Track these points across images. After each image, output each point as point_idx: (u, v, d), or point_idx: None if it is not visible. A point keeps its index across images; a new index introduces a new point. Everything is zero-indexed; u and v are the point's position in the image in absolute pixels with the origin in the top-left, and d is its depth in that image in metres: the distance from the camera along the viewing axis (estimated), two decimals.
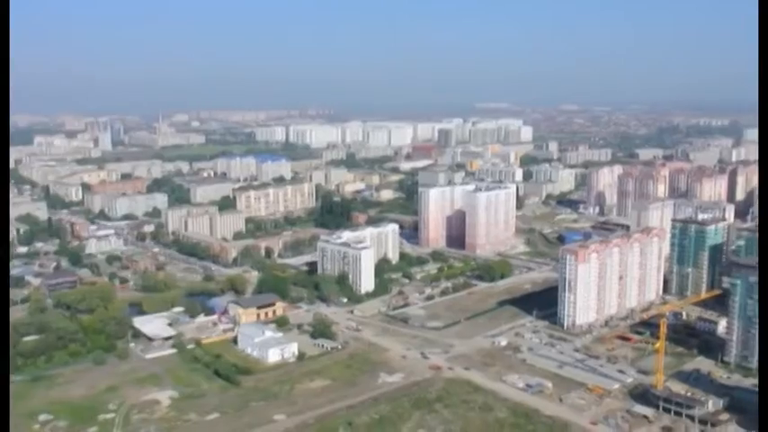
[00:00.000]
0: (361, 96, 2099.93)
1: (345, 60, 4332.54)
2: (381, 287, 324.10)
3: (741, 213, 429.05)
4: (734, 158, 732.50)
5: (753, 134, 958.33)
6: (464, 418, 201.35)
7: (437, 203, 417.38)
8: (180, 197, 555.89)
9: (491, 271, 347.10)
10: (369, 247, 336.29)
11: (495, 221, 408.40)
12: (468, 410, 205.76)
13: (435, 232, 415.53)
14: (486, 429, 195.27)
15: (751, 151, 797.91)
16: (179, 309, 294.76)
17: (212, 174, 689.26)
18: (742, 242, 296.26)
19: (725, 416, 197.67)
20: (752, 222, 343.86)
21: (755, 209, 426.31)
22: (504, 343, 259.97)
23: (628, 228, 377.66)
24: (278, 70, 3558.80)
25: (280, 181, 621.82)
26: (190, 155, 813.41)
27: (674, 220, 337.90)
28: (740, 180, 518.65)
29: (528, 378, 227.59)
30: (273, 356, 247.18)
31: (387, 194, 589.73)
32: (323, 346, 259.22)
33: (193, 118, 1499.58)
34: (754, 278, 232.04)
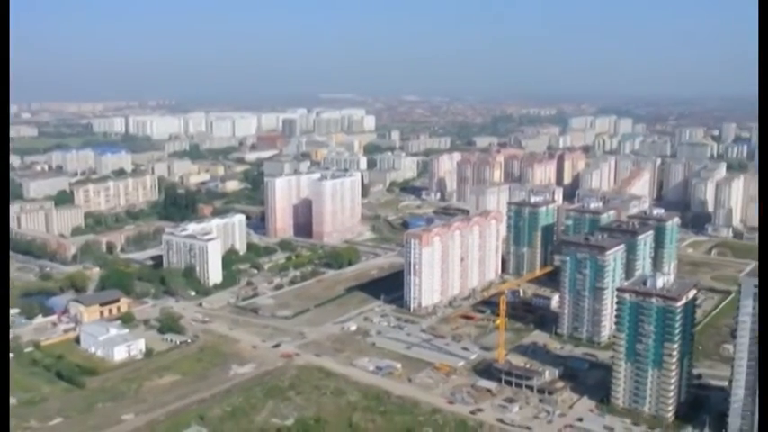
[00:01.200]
0: (204, 87, 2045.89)
1: (186, 50, 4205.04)
2: (230, 278, 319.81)
3: (569, 195, 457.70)
4: (561, 145, 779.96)
5: (577, 122, 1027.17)
6: (317, 403, 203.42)
7: (283, 193, 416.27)
8: (11, 193, 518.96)
9: (339, 258, 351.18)
10: (215, 238, 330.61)
11: (342, 209, 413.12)
12: (320, 396, 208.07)
13: (282, 222, 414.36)
14: (338, 413, 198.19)
15: (576, 138, 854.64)
16: (14, 310, 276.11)
17: (46, 168, 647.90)
18: (570, 222, 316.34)
19: (560, 384, 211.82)
20: (578, 203, 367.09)
21: (581, 191, 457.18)
22: (353, 328, 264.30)
23: (467, 212, 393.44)
24: (115, 61, 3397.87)
25: (120, 174, 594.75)
26: (21, 148, 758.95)
27: (509, 203, 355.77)
28: (567, 165, 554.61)
29: (378, 361, 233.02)
30: (119, 354, 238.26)
31: (232, 185, 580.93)
32: (171, 340, 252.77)
33: (24, 110, 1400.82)
34: (582, 254, 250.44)
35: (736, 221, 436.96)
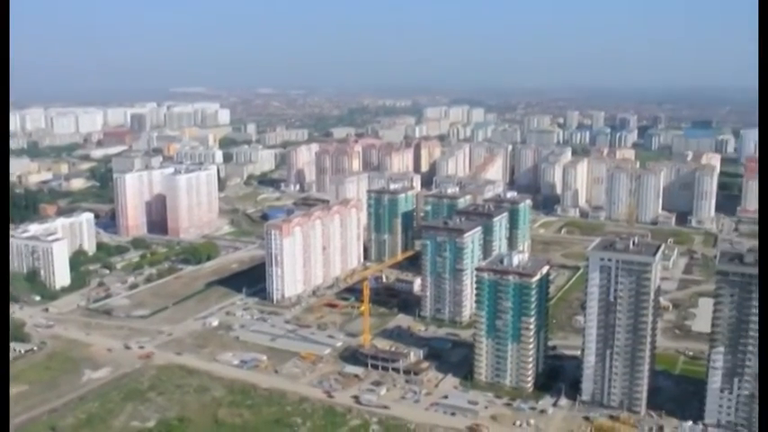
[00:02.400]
0: (42, 82, 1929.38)
1: (19, 44, 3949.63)
2: (79, 280, 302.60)
3: (426, 182, 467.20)
4: (417, 134, 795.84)
5: (432, 113, 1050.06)
6: (180, 402, 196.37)
7: (134, 189, 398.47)
8: None
9: (197, 253, 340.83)
10: (61, 238, 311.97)
11: (198, 204, 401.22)
12: (183, 395, 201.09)
13: (135, 219, 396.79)
14: (203, 411, 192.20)
15: (431, 127, 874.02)
16: None
17: None
18: (429, 207, 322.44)
19: (425, 364, 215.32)
20: (436, 189, 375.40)
21: (438, 177, 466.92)
22: (215, 323, 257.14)
23: (328, 202, 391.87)
24: None
25: None
26: None
27: (369, 192, 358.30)
28: (424, 153, 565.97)
29: (242, 354, 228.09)
30: None
31: (78, 183, 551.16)
32: (15, 350, 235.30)
33: None
34: (441, 238, 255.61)
35: (582, 202, 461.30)
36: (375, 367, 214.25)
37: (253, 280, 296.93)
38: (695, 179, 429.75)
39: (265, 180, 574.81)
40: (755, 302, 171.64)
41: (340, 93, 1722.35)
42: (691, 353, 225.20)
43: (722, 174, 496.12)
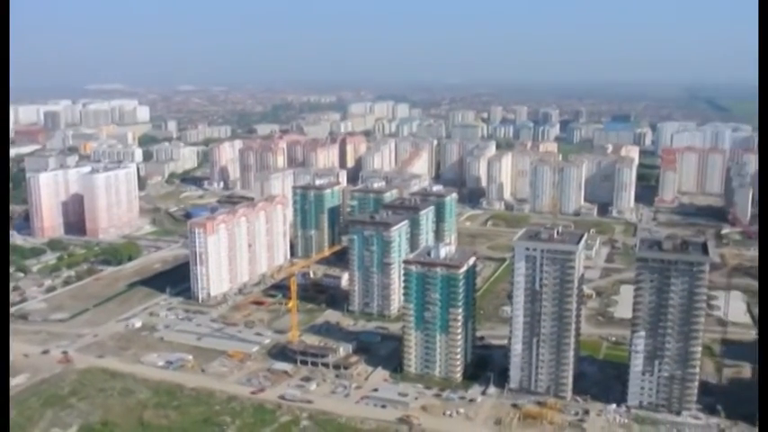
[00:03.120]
0: None
1: None
2: None
3: (353, 178, 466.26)
4: (342, 130, 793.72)
5: (357, 108, 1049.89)
6: (103, 407, 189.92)
7: (50, 189, 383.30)
8: None
9: (118, 254, 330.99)
10: None
11: (117, 203, 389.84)
12: (106, 399, 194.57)
13: (51, 220, 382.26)
14: (128, 414, 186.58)
15: (357, 123, 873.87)
16: None
17: None
18: (355, 202, 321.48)
19: (354, 358, 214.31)
20: (362, 184, 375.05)
21: (364, 172, 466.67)
22: (138, 324, 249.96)
23: (253, 199, 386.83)
24: None
25: None
26: None
27: (294, 188, 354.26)
28: (349, 148, 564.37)
29: (168, 355, 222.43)
30: None
31: None
32: None
33: None
34: (368, 232, 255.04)
35: (507, 195, 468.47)
36: (304, 363, 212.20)
37: (177, 279, 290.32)
38: (615, 171, 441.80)
39: (188, 178, 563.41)
40: (674, 287, 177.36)
41: (263, 89, 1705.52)
42: (614, 338, 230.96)
43: (640, 165, 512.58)
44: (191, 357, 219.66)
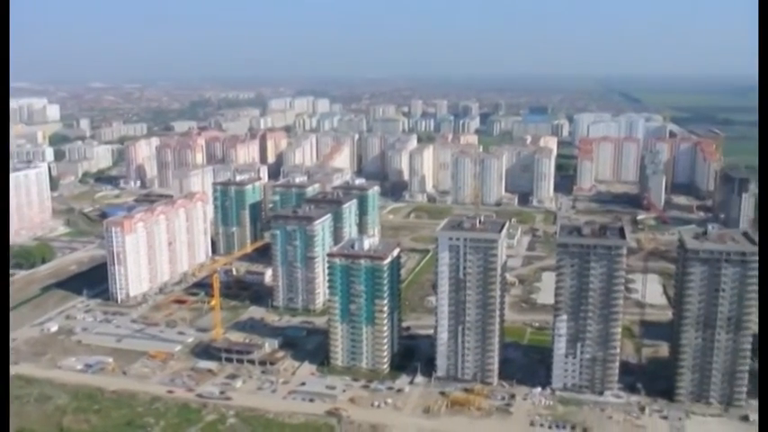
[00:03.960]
0: None
1: None
2: None
3: (274, 173, 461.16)
4: (262, 126, 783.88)
5: (276, 104, 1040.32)
6: (19, 414, 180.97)
7: None
8: None
9: (30, 256, 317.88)
10: None
11: (28, 204, 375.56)
12: (22, 406, 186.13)
13: None
14: (47, 420, 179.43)
15: (277, 119, 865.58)
16: None
17: None
18: (277, 197, 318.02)
19: (281, 353, 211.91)
20: (284, 179, 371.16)
21: (286, 167, 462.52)
22: (54, 328, 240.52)
23: (171, 197, 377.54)
24: None
25: None
26: None
27: (214, 184, 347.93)
28: (270, 144, 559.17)
29: (86, 359, 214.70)
30: None
31: None
32: None
33: None
34: (291, 227, 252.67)
35: (429, 187, 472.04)
36: (229, 360, 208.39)
37: (94, 281, 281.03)
38: (534, 161, 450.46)
39: (103, 177, 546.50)
40: (593, 271, 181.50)
41: (179, 86, 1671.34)
42: (537, 324, 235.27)
43: (559, 156, 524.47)
44: (111, 360, 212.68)
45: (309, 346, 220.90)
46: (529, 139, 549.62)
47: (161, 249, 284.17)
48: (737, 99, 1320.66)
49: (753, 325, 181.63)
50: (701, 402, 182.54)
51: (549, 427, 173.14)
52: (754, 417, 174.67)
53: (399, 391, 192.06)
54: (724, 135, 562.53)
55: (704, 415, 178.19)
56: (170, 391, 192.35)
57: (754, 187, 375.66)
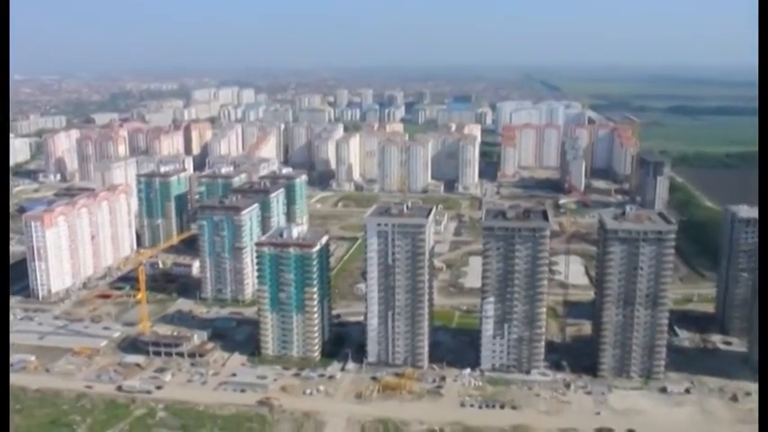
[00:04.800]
0: None
1: None
2: None
3: (200, 164, 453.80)
4: (186, 117, 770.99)
5: (200, 95, 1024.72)
6: None
7: None
8: None
9: None
10: None
11: None
12: None
13: None
14: None
15: (201, 110, 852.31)
16: None
17: None
18: (203, 188, 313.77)
19: (210, 345, 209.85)
20: (210, 170, 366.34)
21: (211, 158, 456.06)
22: None
23: (94, 190, 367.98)
24: None
25: None
26: None
27: (138, 176, 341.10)
28: (195, 135, 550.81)
29: None
30: None
31: None
32: None
33: None
34: (218, 217, 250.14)
35: (356, 176, 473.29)
36: (158, 354, 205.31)
37: (14, 278, 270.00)
38: (459, 148, 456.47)
39: (20, 171, 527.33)
40: (518, 253, 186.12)
41: (99, 77, 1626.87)
42: (465, 307, 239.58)
43: (483, 143, 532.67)
44: (33, 358, 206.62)
45: (239, 336, 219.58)
46: (453, 126, 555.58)
47: (84, 243, 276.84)
48: (651, 87, 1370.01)
49: (668, 301, 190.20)
50: (623, 377, 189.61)
51: (479, 407, 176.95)
52: (672, 388, 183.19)
53: (331, 378, 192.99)
54: (639, 121, 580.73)
55: (626, 388, 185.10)
56: (88, 386, 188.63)
57: (668, 170, 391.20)
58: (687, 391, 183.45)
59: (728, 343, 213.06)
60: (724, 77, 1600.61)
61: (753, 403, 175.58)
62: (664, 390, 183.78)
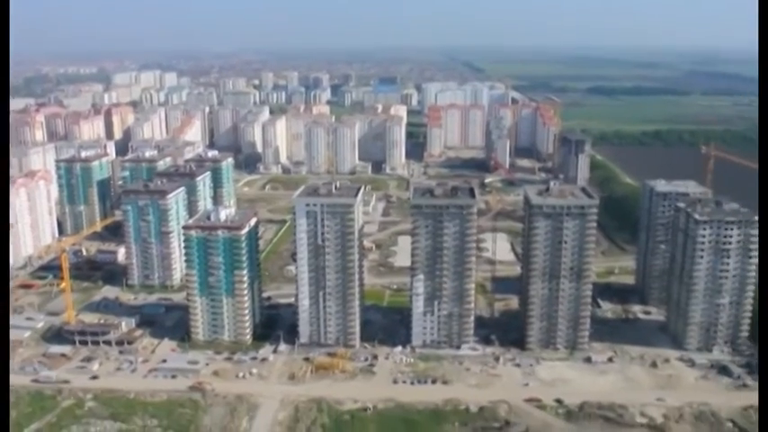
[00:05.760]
0: None
1: None
2: None
3: (122, 149, 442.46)
4: (107, 101, 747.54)
5: (121, 79, 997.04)
6: None
7: None
8: None
9: None
10: None
11: None
12: None
13: None
14: None
15: (122, 94, 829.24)
16: None
17: None
18: (127, 173, 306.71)
19: (139, 332, 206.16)
20: (132, 154, 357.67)
21: (134, 142, 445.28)
22: None
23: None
24: None
25: None
26: None
27: (58, 162, 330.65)
28: (116, 119, 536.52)
29: None
30: None
31: None
32: None
33: None
34: (143, 202, 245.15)
35: (283, 158, 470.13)
36: (84, 343, 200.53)
37: None
38: (386, 129, 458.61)
39: None
40: (447, 230, 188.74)
41: (13, 61, 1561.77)
42: (395, 286, 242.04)
43: (409, 124, 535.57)
44: None
45: (169, 322, 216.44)
46: (380, 108, 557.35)
47: None
48: (570, 68, 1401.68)
49: (591, 274, 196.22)
50: (550, 348, 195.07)
51: (412, 384, 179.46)
52: (596, 358, 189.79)
53: (263, 360, 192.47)
54: (561, 101, 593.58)
55: (552, 360, 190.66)
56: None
57: (589, 148, 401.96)
58: (610, 359, 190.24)
59: (648, 312, 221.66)
60: (638, 59, 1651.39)
61: (671, 369, 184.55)
62: (588, 359, 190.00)
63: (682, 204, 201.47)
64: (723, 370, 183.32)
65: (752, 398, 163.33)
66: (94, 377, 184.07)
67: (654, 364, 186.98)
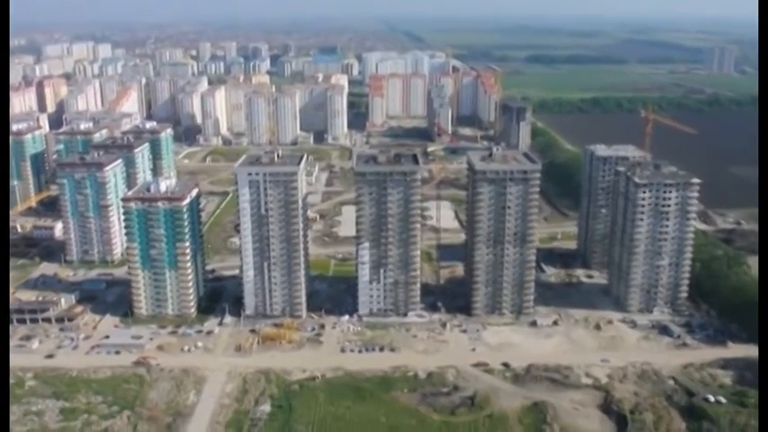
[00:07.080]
0: None
1: None
2: None
3: (56, 122, 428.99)
4: (38, 74, 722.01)
5: (52, 50, 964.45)
6: None
7: None
8: None
9: None
10: None
11: None
12: None
13: None
14: None
15: (54, 66, 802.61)
16: None
17: None
18: (62, 146, 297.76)
19: (79, 308, 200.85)
20: (67, 126, 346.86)
21: (68, 115, 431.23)
22: None
23: None
24: None
25: None
26: None
27: None
28: (48, 92, 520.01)
29: None
30: None
31: None
32: None
33: None
34: (80, 175, 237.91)
35: (223, 130, 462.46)
36: (22, 321, 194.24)
37: None
38: (327, 99, 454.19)
39: None
40: (391, 198, 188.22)
41: None
42: (340, 255, 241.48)
43: (350, 94, 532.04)
44: None
45: (110, 298, 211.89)
46: (320, 77, 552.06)
47: None
48: (510, 38, 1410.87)
49: (535, 239, 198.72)
50: (495, 314, 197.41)
51: (359, 352, 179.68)
52: (541, 322, 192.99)
53: (209, 333, 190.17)
54: (501, 70, 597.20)
55: (498, 324, 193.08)
56: None
57: (529, 116, 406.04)
58: (555, 323, 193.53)
59: (590, 276, 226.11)
60: (577, 28, 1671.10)
61: (614, 331, 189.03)
62: (534, 323, 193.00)
63: (622, 168, 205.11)
64: (664, 330, 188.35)
65: (691, 356, 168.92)
66: (50, 356, 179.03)
67: (597, 327, 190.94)
